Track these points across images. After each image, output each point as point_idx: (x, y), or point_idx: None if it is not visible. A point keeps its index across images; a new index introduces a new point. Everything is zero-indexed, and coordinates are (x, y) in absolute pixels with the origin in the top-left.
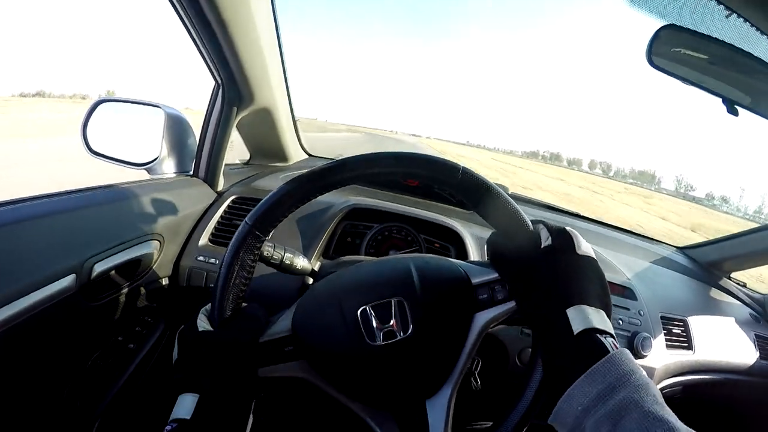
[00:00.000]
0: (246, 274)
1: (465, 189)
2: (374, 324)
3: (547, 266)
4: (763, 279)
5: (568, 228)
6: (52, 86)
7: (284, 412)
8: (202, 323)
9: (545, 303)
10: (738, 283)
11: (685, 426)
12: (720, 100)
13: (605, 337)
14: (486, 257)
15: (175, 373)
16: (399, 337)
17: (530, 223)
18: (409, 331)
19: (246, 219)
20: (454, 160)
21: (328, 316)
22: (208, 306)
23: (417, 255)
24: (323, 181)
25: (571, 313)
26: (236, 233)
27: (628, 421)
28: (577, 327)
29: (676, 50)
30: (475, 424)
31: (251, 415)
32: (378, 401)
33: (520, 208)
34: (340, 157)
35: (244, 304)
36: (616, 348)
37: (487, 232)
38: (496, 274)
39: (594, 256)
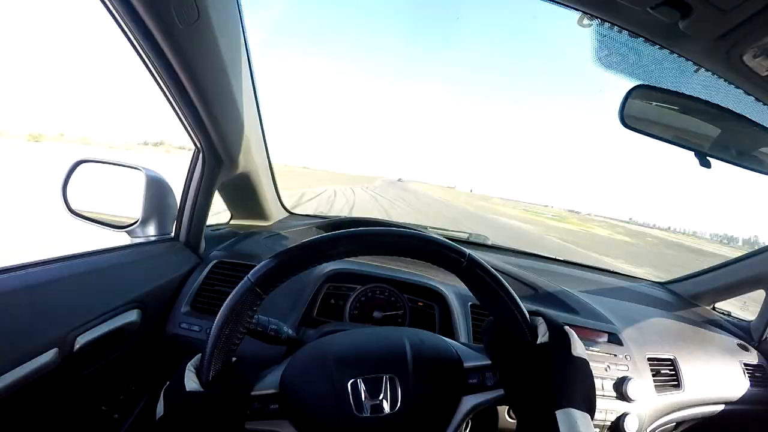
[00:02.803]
0: (242, 329)
1: (469, 276)
2: (363, 397)
3: (540, 363)
4: (747, 306)
5: (566, 327)
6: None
7: None
8: (190, 382)
9: (534, 400)
10: (723, 313)
11: None
12: (692, 154)
13: None
14: (469, 314)
15: (158, 430)
16: (386, 413)
17: (529, 316)
18: (397, 408)
19: (249, 275)
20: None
21: (317, 382)
22: (194, 360)
23: (412, 330)
24: (332, 250)
25: (560, 416)
26: (236, 288)
27: None
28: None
29: (649, 104)
30: None
31: None
32: None
33: (521, 302)
34: (336, 219)
35: (233, 359)
36: None
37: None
38: (489, 361)
39: (587, 359)
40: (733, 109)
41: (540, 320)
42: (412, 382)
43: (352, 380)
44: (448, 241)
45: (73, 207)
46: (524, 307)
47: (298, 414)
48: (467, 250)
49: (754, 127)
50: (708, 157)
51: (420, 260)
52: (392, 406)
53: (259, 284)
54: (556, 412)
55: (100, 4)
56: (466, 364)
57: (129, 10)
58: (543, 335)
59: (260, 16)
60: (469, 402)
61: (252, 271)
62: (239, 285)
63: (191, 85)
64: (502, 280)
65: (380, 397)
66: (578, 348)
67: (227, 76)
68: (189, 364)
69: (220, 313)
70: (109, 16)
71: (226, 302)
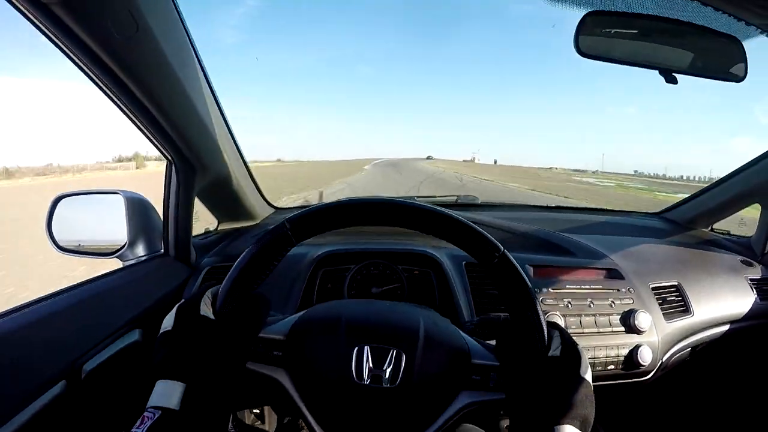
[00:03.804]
0: (267, 270)
1: (497, 272)
2: (366, 365)
3: (548, 376)
4: (744, 222)
5: (579, 346)
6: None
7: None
8: (205, 307)
9: (536, 411)
10: (722, 233)
11: None
12: (656, 72)
13: None
14: (465, 274)
15: (161, 344)
16: (384, 386)
17: (546, 328)
18: (397, 383)
19: (285, 221)
20: None
21: (324, 340)
22: (214, 288)
23: (429, 312)
24: (369, 215)
25: (560, 430)
26: (271, 230)
27: None
28: None
29: (607, 31)
30: None
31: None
32: None
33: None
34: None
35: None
36: None
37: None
38: (496, 362)
39: (591, 381)
40: (692, 22)
41: (556, 333)
42: (417, 362)
43: (359, 346)
44: (485, 232)
45: (61, 243)
46: (543, 317)
47: (298, 366)
48: (502, 247)
49: (716, 36)
50: (673, 73)
51: (450, 243)
52: (392, 380)
53: (294, 229)
54: (555, 426)
55: (37, 31)
56: (474, 360)
57: (66, 33)
58: (555, 349)
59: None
60: (466, 398)
61: (289, 217)
62: (274, 227)
63: (146, 98)
64: (529, 284)
65: (383, 368)
66: (586, 369)
67: (180, 82)
68: (208, 291)
69: (247, 250)
70: (49, 41)
71: (257, 241)
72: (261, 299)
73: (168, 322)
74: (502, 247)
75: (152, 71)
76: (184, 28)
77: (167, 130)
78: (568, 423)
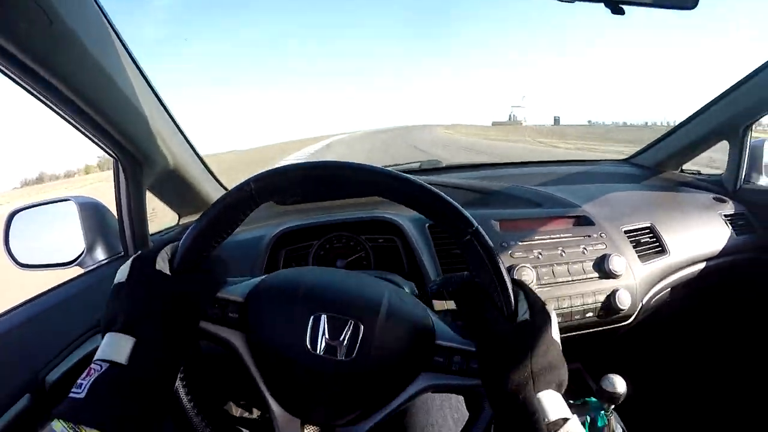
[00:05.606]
0: (228, 230)
1: (469, 250)
2: (321, 334)
3: (521, 342)
4: (713, 161)
5: (547, 306)
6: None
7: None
8: (162, 262)
9: (515, 383)
10: (692, 173)
11: None
12: (602, 4)
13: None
14: (430, 238)
15: (114, 296)
16: (338, 358)
17: (513, 297)
18: (352, 357)
19: (250, 179)
20: None
21: (282, 305)
22: (171, 246)
23: (396, 287)
24: (336, 175)
25: (543, 397)
26: (232, 190)
27: None
28: (551, 416)
29: None
30: None
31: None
32: (292, 406)
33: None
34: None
35: (209, 256)
36: None
37: None
38: (463, 346)
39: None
40: None
41: (522, 296)
42: (377, 336)
43: (316, 315)
44: (460, 207)
45: (20, 259)
46: (511, 285)
47: (253, 330)
48: (476, 223)
49: None
50: (620, 5)
51: (423, 215)
52: (347, 353)
53: (258, 189)
54: (539, 394)
55: None
56: (438, 341)
57: None
58: (524, 314)
59: None
60: (425, 380)
61: (253, 176)
62: (235, 187)
63: (74, 94)
64: (499, 259)
65: (339, 339)
66: (556, 330)
67: (107, 73)
68: (167, 246)
69: (209, 209)
70: None
71: (220, 199)
72: (219, 260)
73: (122, 273)
74: (476, 224)
75: (76, 65)
76: (103, 14)
77: (103, 125)
78: (547, 389)
